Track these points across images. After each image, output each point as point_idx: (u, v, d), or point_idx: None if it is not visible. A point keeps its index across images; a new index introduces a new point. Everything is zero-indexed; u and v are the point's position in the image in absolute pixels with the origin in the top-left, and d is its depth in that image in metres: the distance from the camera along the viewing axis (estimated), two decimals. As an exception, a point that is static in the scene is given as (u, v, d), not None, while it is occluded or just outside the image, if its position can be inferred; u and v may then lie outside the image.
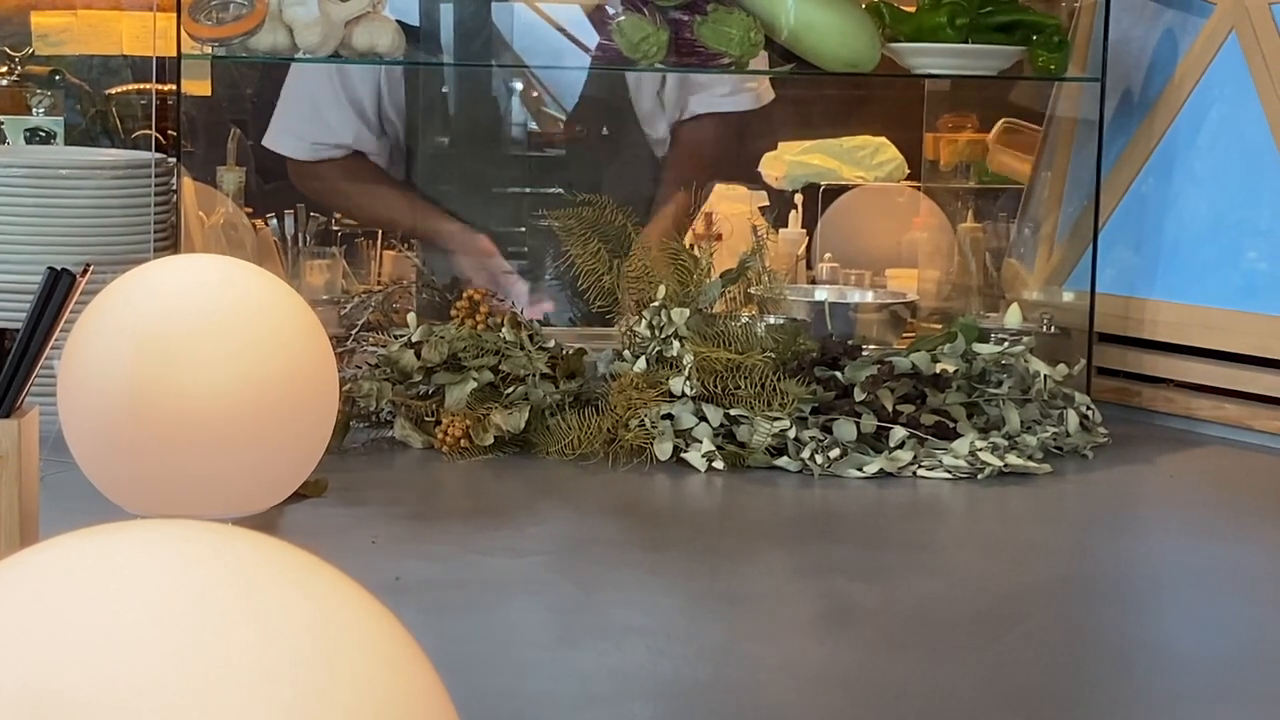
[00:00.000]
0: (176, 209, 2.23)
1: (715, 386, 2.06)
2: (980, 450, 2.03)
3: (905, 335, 2.47)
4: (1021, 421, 2.11)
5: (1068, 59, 2.43)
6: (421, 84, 2.84)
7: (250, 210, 2.84)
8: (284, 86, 2.87)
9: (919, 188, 3.18)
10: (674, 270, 2.17)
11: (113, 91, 3.92)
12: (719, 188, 3.04)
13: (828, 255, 3.08)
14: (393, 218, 2.87)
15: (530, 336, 2.13)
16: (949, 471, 2.01)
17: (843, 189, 3.66)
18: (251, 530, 0.66)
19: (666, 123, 2.87)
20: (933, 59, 2.40)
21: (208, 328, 1.54)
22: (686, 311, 2.11)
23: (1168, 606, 1.68)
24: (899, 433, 2.04)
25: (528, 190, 2.85)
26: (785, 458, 2.02)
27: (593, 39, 2.55)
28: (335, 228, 2.95)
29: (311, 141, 2.84)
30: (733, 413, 2.04)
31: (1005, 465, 2.03)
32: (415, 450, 2.08)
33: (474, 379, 2.08)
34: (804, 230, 3.53)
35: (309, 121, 2.83)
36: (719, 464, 2.01)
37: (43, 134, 3.52)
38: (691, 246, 2.29)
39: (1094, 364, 2.38)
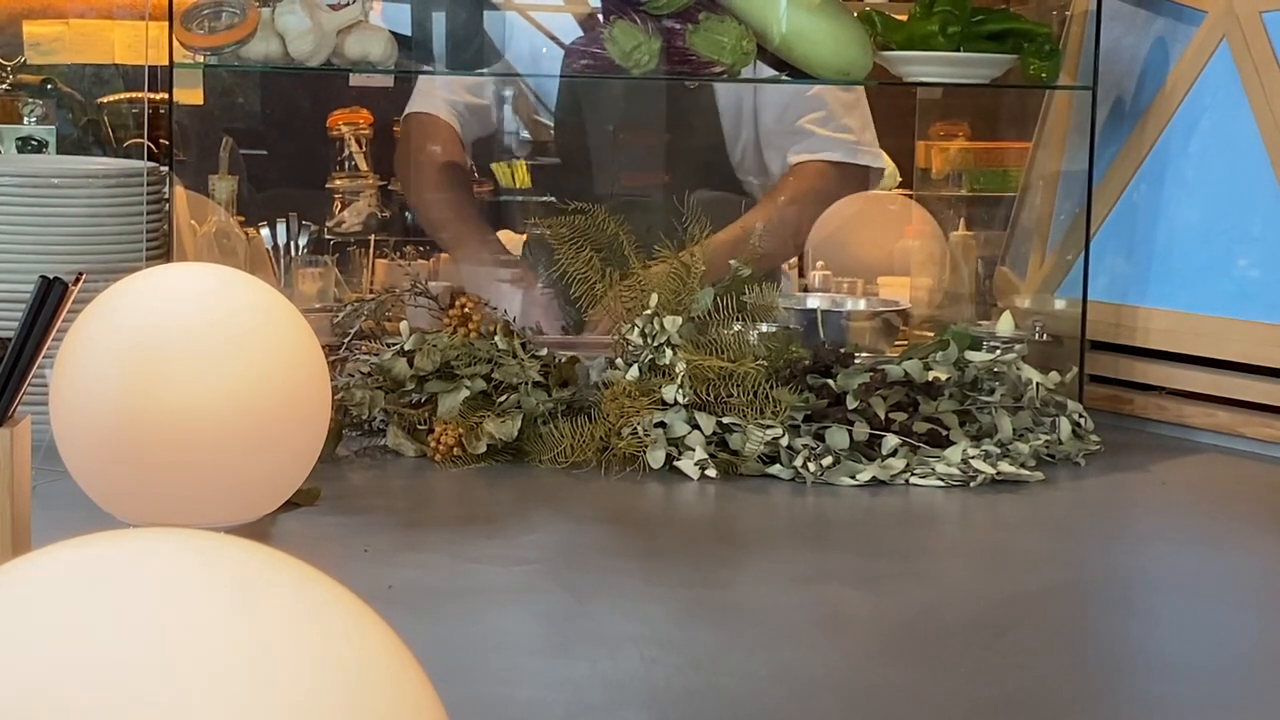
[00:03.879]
0: (169, 217, 2.23)
1: (708, 394, 2.06)
2: (973, 458, 2.03)
3: (898, 343, 2.47)
4: (1014, 429, 2.11)
5: (1059, 67, 2.43)
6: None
7: (242, 219, 2.84)
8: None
9: (911, 196, 3.18)
10: (667, 278, 2.17)
11: (105, 100, 3.92)
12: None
13: (820, 263, 3.08)
14: (439, 212, 2.92)
15: (523, 345, 2.13)
16: (941, 479, 2.02)
17: (835, 197, 3.66)
18: (244, 539, 0.66)
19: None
20: (924, 67, 2.40)
21: (200, 336, 1.54)
22: (679, 319, 2.11)
23: (1160, 613, 1.68)
24: (891, 440, 2.04)
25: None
26: (778, 465, 2.03)
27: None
28: (328, 236, 2.95)
29: (439, 96, 2.91)
30: (725, 420, 2.04)
31: (998, 473, 2.03)
32: (408, 458, 2.08)
33: (466, 387, 2.08)
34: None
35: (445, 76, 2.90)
36: (712, 472, 2.01)
37: (35, 143, 3.52)
38: None
39: (1086, 371, 2.39)
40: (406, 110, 3.00)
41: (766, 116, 2.88)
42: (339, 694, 0.61)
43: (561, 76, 2.74)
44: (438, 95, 2.92)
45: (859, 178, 2.94)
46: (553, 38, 2.65)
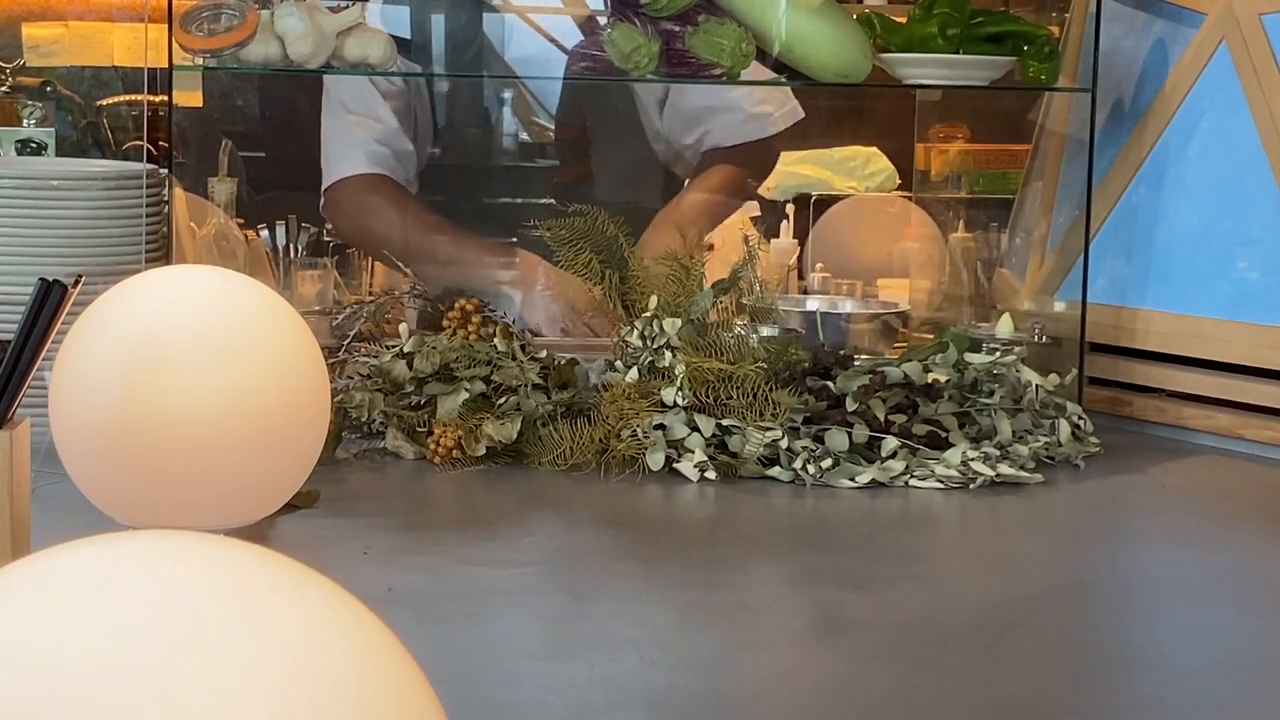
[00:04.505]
0: (168, 220, 2.23)
1: (707, 397, 2.06)
2: (972, 460, 2.03)
3: (897, 345, 2.47)
4: (1013, 431, 2.11)
5: (1059, 69, 2.43)
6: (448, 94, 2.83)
7: (241, 221, 2.84)
8: (324, 126, 2.79)
9: (910, 198, 3.19)
10: (667, 280, 2.17)
11: (104, 103, 3.93)
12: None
13: (819, 265, 3.09)
14: (423, 240, 2.72)
15: (522, 347, 2.13)
16: (941, 481, 2.02)
17: (834, 199, 3.67)
18: (243, 541, 0.66)
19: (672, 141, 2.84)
20: (924, 69, 2.41)
21: (199, 339, 1.54)
22: (679, 322, 2.11)
23: (1159, 615, 1.68)
24: (891, 442, 2.04)
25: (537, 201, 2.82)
26: (777, 468, 2.03)
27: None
28: (326, 238, 2.95)
29: (366, 152, 2.73)
30: (725, 423, 2.04)
31: (997, 475, 2.03)
32: (407, 461, 2.08)
33: (466, 389, 2.08)
34: (795, 240, 3.54)
35: (361, 129, 2.74)
36: (711, 474, 2.01)
37: (34, 145, 3.52)
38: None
39: (1085, 373, 2.39)
40: (326, 183, 2.76)
41: (675, 99, 2.78)
42: (339, 696, 0.61)
43: (565, 79, 2.74)
44: (357, 154, 2.74)
45: (773, 145, 2.88)
46: (552, 40, 2.65)
